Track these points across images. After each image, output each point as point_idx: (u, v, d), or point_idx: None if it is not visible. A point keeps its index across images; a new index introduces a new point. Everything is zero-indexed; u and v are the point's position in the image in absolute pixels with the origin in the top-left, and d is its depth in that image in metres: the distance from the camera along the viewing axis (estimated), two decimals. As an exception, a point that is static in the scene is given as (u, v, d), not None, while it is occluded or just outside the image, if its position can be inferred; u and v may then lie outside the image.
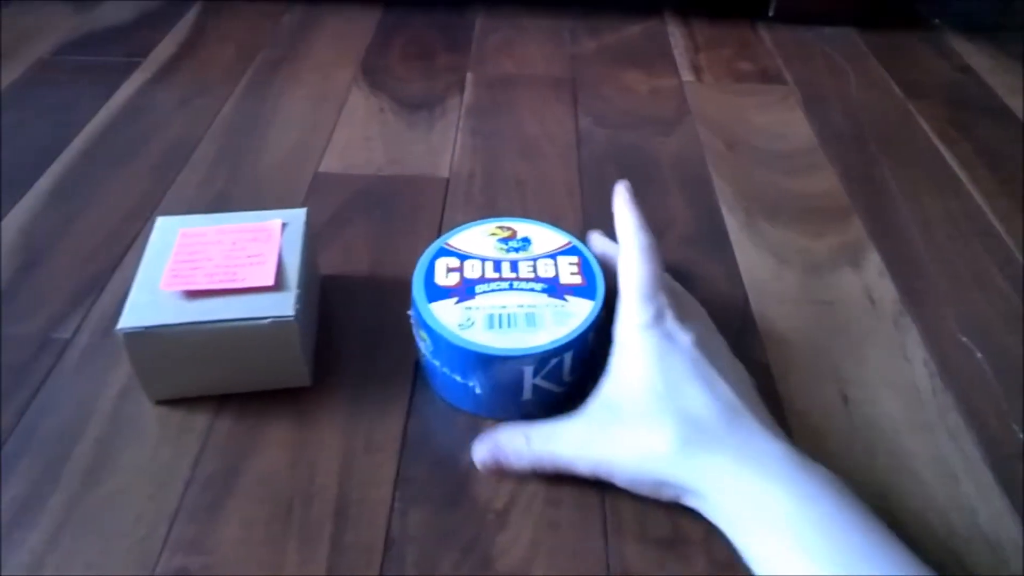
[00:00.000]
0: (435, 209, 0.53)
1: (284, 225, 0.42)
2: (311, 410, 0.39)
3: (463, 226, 0.43)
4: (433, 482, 0.36)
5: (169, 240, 0.41)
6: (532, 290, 0.39)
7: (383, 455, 0.37)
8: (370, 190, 0.55)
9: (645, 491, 0.34)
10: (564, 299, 0.38)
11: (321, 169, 0.57)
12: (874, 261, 0.50)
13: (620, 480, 0.34)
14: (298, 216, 0.43)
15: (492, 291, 0.38)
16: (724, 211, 0.54)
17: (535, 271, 0.40)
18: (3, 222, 0.51)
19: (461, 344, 0.36)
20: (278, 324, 0.37)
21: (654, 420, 0.33)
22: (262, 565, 0.33)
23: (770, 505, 0.31)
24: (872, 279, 0.48)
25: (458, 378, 0.38)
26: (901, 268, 0.49)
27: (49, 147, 0.58)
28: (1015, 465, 0.38)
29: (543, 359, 0.36)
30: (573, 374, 0.38)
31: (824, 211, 0.54)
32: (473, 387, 0.38)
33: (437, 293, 0.38)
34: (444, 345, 0.37)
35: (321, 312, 0.45)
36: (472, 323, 0.37)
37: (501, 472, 0.36)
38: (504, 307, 0.38)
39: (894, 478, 0.37)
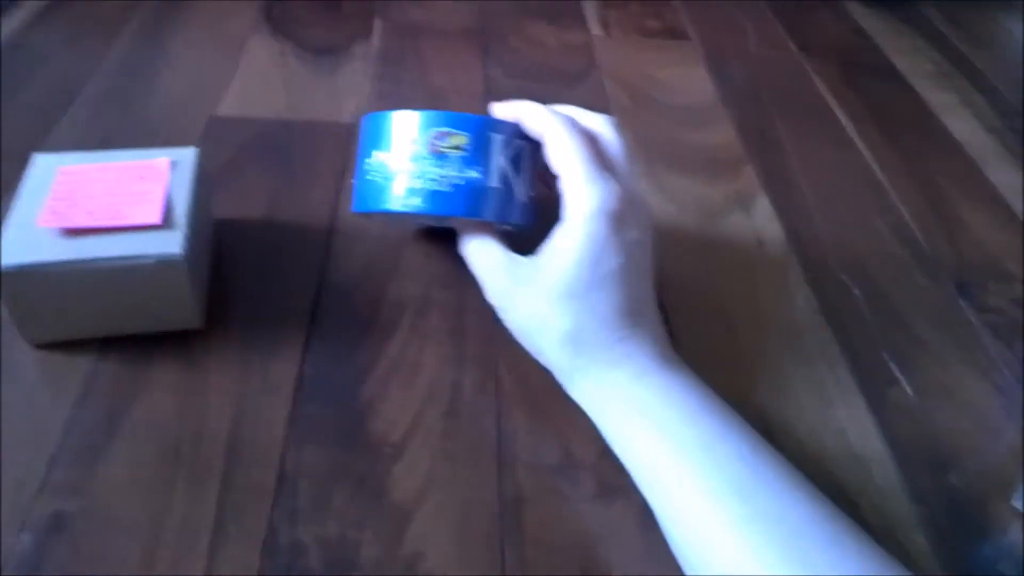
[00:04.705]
0: (337, 155, 0.52)
1: (173, 164, 0.40)
2: (203, 352, 0.38)
3: None
4: (329, 420, 0.36)
5: (47, 178, 0.39)
6: None
7: (278, 396, 0.37)
8: (269, 134, 0.53)
9: (525, 346, 0.37)
10: None
11: (217, 113, 0.55)
12: (764, 206, 0.52)
13: (509, 327, 0.37)
14: (187, 155, 0.41)
15: None
16: (626, 160, 0.55)
17: None
18: None
19: None
20: (165, 262, 0.35)
21: (561, 306, 0.34)
22: (148, 506, 0.32)
23: (636, 396, 0.33)
24: (761, 223, 0.51)
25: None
26: (789, 213, 0.52)
27: (-85, 86, 0.54)
28: (884, 390, 0.41)
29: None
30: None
31: (720, 161, 0.56)
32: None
33: None
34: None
35: (215, 255, 0.43)
36: None
37: None
38: None
39: (774, 402, 0.39)
